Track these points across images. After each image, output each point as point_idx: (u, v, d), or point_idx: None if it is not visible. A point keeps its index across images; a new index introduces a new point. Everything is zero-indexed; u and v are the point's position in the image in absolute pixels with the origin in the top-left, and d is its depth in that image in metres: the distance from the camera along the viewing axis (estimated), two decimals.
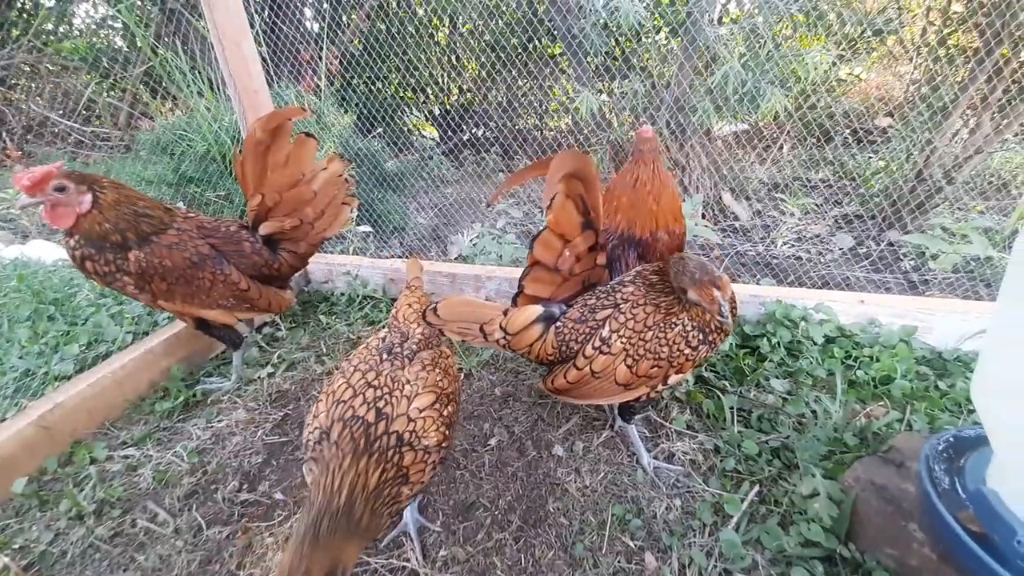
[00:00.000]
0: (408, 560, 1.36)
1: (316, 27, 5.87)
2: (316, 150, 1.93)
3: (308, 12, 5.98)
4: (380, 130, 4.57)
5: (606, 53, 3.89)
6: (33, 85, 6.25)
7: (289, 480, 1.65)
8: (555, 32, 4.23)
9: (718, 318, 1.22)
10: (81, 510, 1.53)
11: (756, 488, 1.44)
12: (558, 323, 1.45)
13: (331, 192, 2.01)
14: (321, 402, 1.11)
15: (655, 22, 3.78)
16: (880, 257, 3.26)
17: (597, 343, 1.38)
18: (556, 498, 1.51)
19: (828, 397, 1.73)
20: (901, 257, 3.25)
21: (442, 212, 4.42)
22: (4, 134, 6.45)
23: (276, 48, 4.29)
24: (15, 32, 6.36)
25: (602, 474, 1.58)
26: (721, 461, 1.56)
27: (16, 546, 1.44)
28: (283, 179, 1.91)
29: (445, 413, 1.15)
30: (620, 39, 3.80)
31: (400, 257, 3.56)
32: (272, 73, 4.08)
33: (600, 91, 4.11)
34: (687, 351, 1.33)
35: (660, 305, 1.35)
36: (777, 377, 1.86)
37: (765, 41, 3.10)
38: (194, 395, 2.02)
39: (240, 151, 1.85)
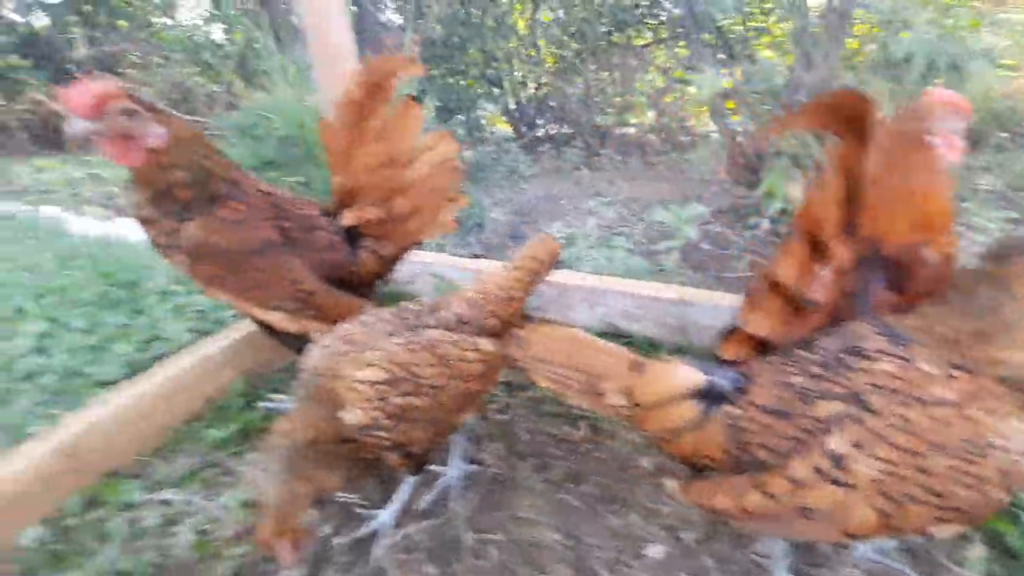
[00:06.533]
0: None
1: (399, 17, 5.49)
2: (421, 122, 1.39)
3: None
4: (461, 117, 4.05)
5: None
6: (136, 73, 6.24)
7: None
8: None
9: None
10: None
11: None
12: (732, 408, 0.82)
13: (434, 182, 1.47)
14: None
15: None
16: None
17: (821, 461, 0.73)
18: None
19: None
20: None
21: (520, 209, 3.85)
22: None
23: (357, 33, 3.94)
24: (123, 23, 6.44)
25: None
26: None
27: None
28: (372, 156, 1.38)
29: (393, 400, 0.97)
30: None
31: (480, 256, 3.02)
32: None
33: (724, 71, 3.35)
34: (1001, 493, 0.67)
35: (962, 398, 0.68)
36: None
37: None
38: (252, 420, 1.55)
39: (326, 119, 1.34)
